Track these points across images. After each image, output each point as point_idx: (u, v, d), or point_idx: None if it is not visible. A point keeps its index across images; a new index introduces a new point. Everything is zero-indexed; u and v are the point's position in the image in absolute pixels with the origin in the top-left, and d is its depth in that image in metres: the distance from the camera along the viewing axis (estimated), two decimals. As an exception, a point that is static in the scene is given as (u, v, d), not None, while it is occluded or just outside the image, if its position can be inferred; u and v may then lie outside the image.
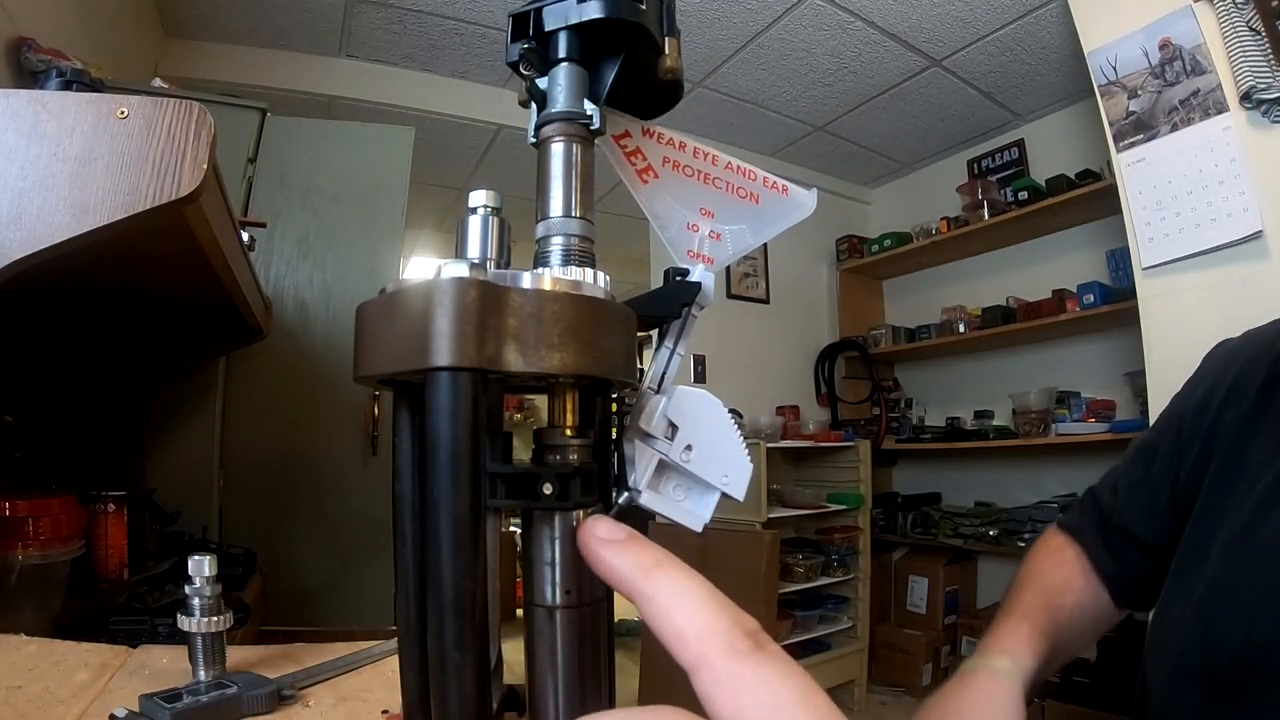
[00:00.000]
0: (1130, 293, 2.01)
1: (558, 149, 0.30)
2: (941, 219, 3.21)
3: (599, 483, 0.27)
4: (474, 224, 0.28)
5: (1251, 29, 1.68)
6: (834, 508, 2.98)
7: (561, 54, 0.29)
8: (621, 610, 0.28)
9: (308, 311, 1.92)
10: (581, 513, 0.25)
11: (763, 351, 3.48)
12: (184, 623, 0.59)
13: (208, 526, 1.48)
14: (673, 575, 0.21)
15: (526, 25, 0.30)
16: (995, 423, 3.09)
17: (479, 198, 0.29)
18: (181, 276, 0.96)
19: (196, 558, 0.61)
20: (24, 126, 0.54)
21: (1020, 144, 3.20)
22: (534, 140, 0.31)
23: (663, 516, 0.31)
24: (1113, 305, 2.51)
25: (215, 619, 0.60)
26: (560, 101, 0.29)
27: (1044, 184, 2.83)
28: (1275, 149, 1.67)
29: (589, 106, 0.30)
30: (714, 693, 0.19)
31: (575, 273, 0.28)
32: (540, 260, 0.29)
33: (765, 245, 1.88)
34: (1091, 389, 2.80)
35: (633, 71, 0.31)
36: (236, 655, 0.66)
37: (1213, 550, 0.55)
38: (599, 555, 0.22)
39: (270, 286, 1.86)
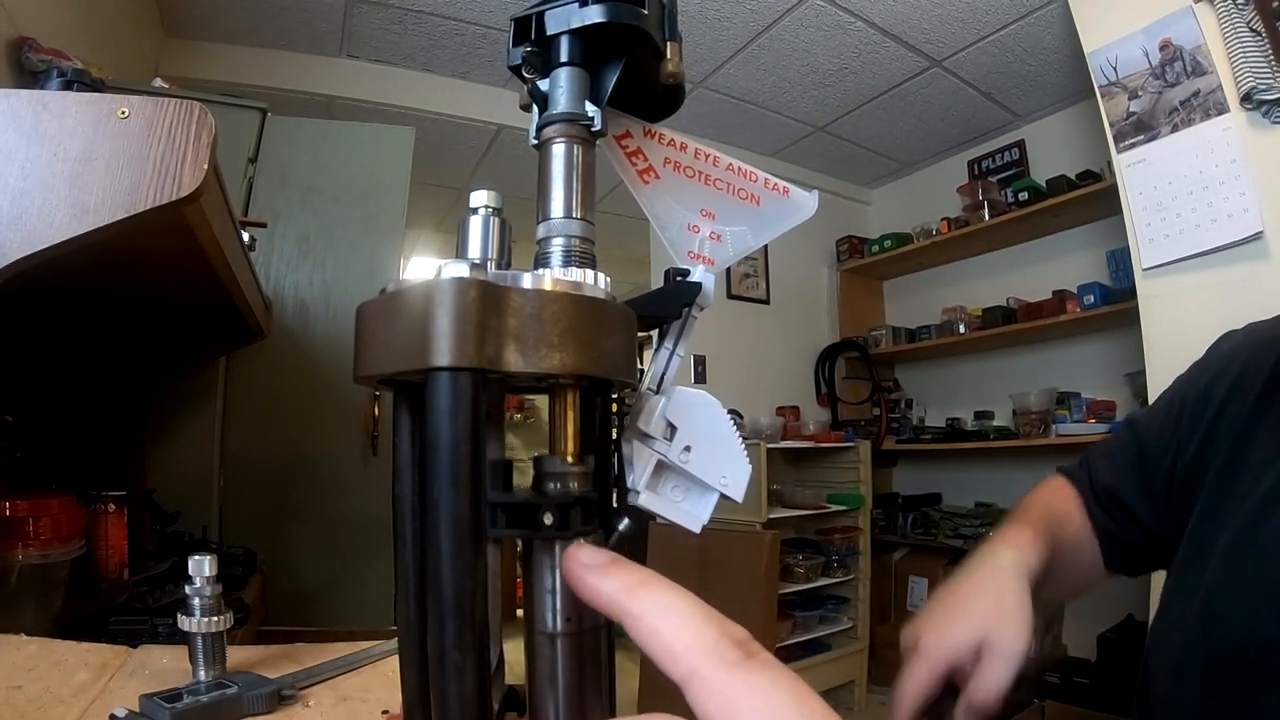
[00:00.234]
0: (1130, 293, 2.01)
1: (559, 150, 0.30)
2: (942, 219, 3.21)
3: (599, 508, 0.27)
4: (475, 224, 0.29)
5: (1252, 29, 1.68)
6: (834, 508, 2.98)
7: (563, 58, 0.30)
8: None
9: (308, 311, 1.93)
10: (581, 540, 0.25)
11: (763, 352, 3.48)
12: (184, 623, 0.59)
13: (208, 526, 1.48)
14: (657, 592, 0.21)
15: (528, 29, 0.30)
16: (995, 423, 3.09)
17: (480, 198, 0.29)
18: (182, 276, 0.96)
19: (196, 558, 0.61)
20: (25, 126, 0.54)
21: (1021, 144, 3.20)
22: (535, 142, 0.31)
23: (662, 517, 0.31)
24: (1113, 306, 2.51)
25: (215, 619, 0.60)
26: (561, 103, 0.30)
27: (1044, 184, 2.83)
28: (1275, 150, 1.67)
29: (590, 108, 0.30)
30: (708, 705, 0.19)
31: (576, 273, 0.28)
32: (541, 261, 0.29)
33: (765, 246, 1.88)
34: (1092, 389, 2.80)
35: (634, 76, 0.31)
36: (236, 655, 0.66)
37: (1215, 550, 0.55)
38: (583, 580, 0.23)
39: (270, 286, 1.86)
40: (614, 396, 0.30)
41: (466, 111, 2.89)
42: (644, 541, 0.29)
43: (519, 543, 0.27)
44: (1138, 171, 1.91)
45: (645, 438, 0.30)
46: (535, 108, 0.31)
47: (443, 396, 0.22)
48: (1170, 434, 0.64)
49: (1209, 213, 1.76)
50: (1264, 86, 1.65)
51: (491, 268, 0.27)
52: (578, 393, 0.27)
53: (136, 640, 0.71)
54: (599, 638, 0.26)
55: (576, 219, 0.29)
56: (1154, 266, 1.86)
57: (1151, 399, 1.88)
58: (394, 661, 0.52)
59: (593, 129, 0.30)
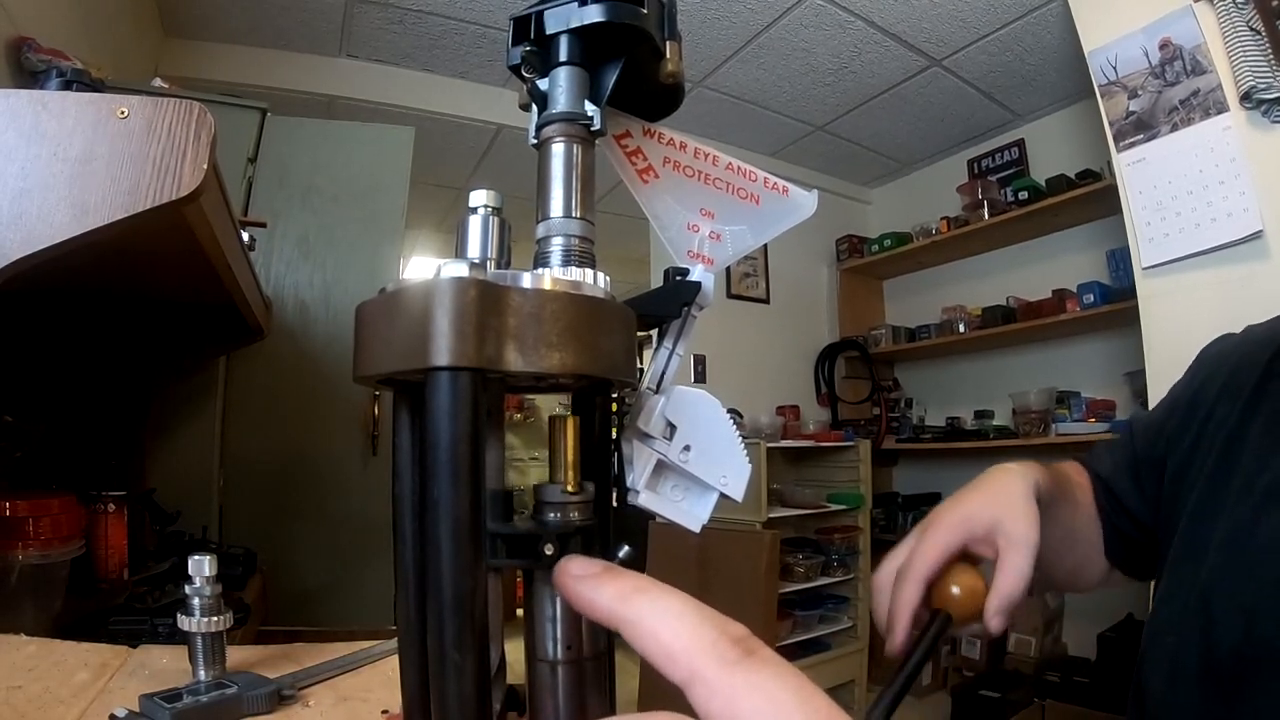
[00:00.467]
0: (1130, 292, 2.01)
1: (558, 150, 0.30)
2: (941, 219, 3.21)
3: (600, 534, 0.27)
4: (474, 224, 0.29)
5: (1251, 29, 1.68)
6: (834, 508, 2.98)
7: (563, 57, 0.30)
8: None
9: (308, 311, 1.93)
10: None
11: (763, 351, 3.48)
12: (184, 623, 0.59)
13: (208, 526, 1.48)
14: (652, 596, 0.21)
15: (528, 29, 0.30)
16: (995, 423, 3.09)
17: (479, 198, 0.29)
18: (182, 276, 0.96)
19: (196, 558, 0.61)
20: (24, 126, 0.54)
21: (1020, 144, 3.20)
22: (535, 141, 0.31)
23: (661, 517, 0.31)
24: (1113, 305, 2.51)
25: (215, 619, 0.60)
26: (561, 102, 0.29)
27: (1044, 184, 2.82)
28: (1275, 149, 1.67)
29: (590, 107, 0.30)
30: (711, 706, 0.18)
31: (575, 273, 0.28)
32: (540, 260, 0.29)
33: (765, 245, 1.89)
34: (1091, 389, 2.80)
35: (634, 75, 0.31)
36: (236, 655, 0.66)
37: (1209, 550, 0.55)
38: (576, 592, 0.22)
39: (270, 286, 1.86)
40: (614, 396, 0.30)
41: (466, 111, 2.89)
42: (643, 547, 0.29)
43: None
44: (1137, 171, 1.91)
45: (645, 437, 0.30)
46: (535, 107, 0.31)
47: (442, 396, 0.22)
48: (1163, 434, 0.64)
49: (1209, 212, 1.76)
50: (1263, 85, 1.65)
51: (491, 267, 0.27)
52: (577, 420, 0.26)
53: (136, 640, 0.71)
54: (600, 665, 0.26)
55: (576, 218, 0.29)
56: (1154, 266, 1.86)
57: (1151, 397, 1.89)
58: (394, 661, 0.52)
59: (592, 128, 0.30)
